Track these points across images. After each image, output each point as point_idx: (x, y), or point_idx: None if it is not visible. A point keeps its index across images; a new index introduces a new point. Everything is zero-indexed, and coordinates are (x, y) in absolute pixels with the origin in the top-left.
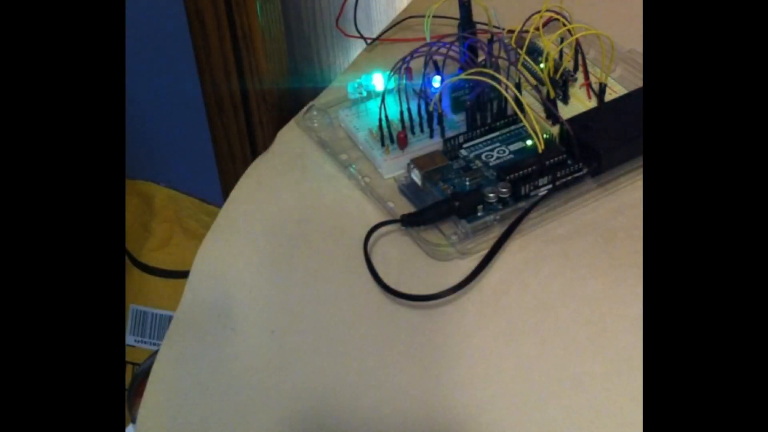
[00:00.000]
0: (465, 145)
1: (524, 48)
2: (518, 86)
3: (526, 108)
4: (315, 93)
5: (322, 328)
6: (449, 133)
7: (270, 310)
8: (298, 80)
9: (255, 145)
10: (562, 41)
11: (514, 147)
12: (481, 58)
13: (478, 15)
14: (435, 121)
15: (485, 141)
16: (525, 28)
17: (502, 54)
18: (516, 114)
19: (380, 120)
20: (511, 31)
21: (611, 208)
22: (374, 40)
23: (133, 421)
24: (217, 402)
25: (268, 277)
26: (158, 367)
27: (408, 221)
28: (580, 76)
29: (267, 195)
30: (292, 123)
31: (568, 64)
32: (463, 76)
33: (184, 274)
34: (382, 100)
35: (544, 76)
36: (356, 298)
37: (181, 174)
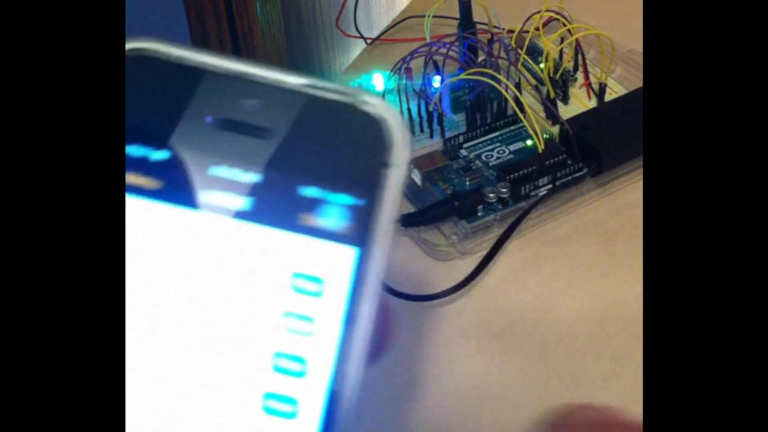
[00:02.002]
0: (465, 145)
1: (524, 48)
2: (518, 86)
3: (526, 108)
4: None
5: None
6: (449, 133)
7: None
8: None
9: None
10: (562, 41)
11: (514, 147)
12: (481, 58)
13: (478, 15)
14: (435, 121)
15: (485, 141)
16: (525, 28)
17: (502, 54)
18: (516, 114)
19: None
20: (511, 31)
21: (611, 208)
22: (374, 40)
23: None
24: None
25: None
26: None
27: (408, 221)
28: (580, 76)
29: None
30: None
31: (568, 64)
32: (463, 76)
33: None
34: None
35: (544, 76)
36: None
37: None
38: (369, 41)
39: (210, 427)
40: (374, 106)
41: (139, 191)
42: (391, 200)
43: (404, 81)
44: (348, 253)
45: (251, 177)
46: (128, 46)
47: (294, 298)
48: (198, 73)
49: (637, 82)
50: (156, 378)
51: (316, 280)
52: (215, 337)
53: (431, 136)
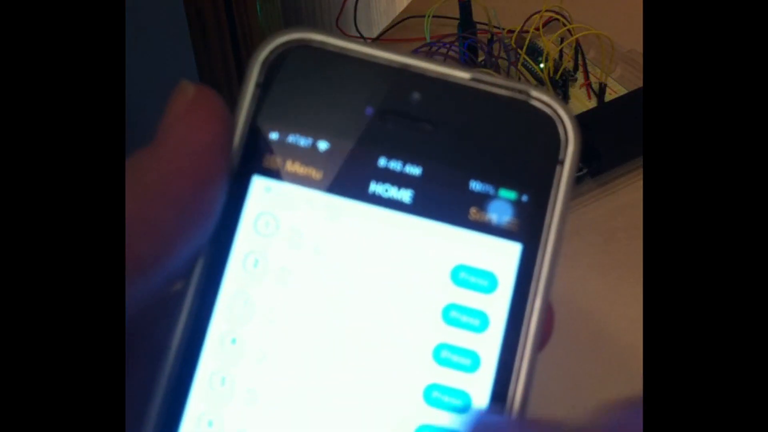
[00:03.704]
0: None
1: (524, 48)
2: None
3: None
4: None
5: None
6: None
7: None
8: None
9: None
10: (562, 41)
11: None
12: (481, 58)
13: (478, 15)
14: None
15: None
16: (525, 28)
17: (502, 54)
18: None
19: None
20: (511, 31)
21: (611, 208)
22: (374, 40)
23: None
24: None
25: None
26: None
27: None
28: (580, 76)
29: None
30: None
31: (568, 64)
32: None
33: None
34: None
35: (544, 76)
36: None
37: None
38: (369, 41)
39: (374, 414)
40: (545, 101)
41: (301, 181)
42: (563, 196)
43: None
44: (518, 249)
45: (416, 170)
46: (290, 36)
47: (464, 293)
48: (361, 64)
49: (637, 82)
50: (319, 368)
51: (487, 275)
52: (380, 326)
53: None
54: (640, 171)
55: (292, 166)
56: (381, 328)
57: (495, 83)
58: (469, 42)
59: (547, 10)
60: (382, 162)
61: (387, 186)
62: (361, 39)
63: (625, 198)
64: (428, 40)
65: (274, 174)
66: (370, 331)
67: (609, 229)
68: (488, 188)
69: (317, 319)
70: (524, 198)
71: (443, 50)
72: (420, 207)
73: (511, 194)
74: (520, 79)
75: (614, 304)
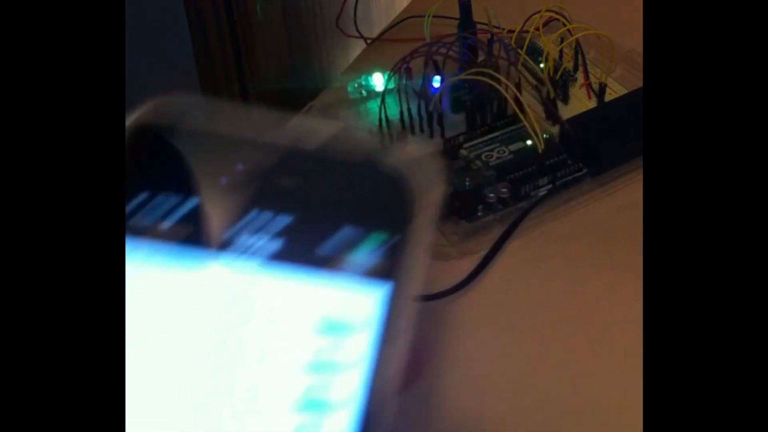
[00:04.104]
0: (465, 145)
1: (524, 48)
2: (518, 86)
3: (526, 108)
4: (315, 93)
5: None
6: (449, 133)
7: None
8: (298, 80)
9: None
10: (562, 41)
11: (514, 147)
12: (481, 58)
13: (478, 15)
14: (435, 121)
15: (485, 141)
16: (525, 28)
17: (502, 54)
18: (516, 114)
19: (380, 120)
20: (511, 31)
21: (611, 208)
22: (374, 40)
23: None
24: None
25: None
26: None
27: None
28: (580, 76)
29: None
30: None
31: (568, 64)
32: (463, 76)
33: None
34: (382, 100)
35: (544, 76)
36: None
37: None
38: (369, 41)
39: None
40: (392, 167)
41: (167, 239)
42: (417, 247)
43: (404, 81)
44: (378, 294)
45: (276, 226)
46: (147, 118)
47: (324, 340)
48: (217, 138)
49: (637, 82)
50: (188, 419)
51: (345, 321)
52: (245, 375)
53: (431, 136)
54: (640, 171)
55: (158, 226)
56: (245, 380)
57: (345, 151)
58: (469, 42)
59: (547, 10)
60: (246, 219)
61: (252, 241)
62: (361, 38)
63: (625, 198)
64: (428, 40)
65: (141, 234)
66: (233, 382)
67: (609, 229)
68: (347, 240)
69: (182, 377)
70: (382, 249)
71: (443, 50)
72: (280, 261)
73: (369, 245)
74: (519, 80)
75: (614, 304)
